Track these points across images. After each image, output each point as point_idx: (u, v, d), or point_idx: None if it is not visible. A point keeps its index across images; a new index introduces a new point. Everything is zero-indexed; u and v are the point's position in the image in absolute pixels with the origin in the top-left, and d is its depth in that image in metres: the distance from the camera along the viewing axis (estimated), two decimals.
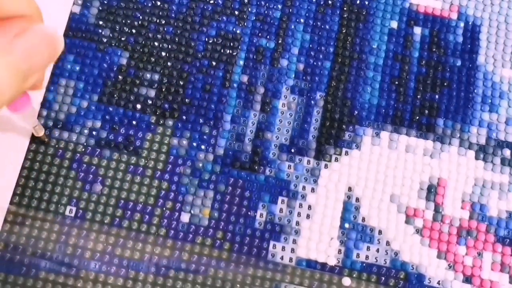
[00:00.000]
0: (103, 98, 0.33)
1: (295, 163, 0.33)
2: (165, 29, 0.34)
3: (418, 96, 0.34)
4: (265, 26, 0.35)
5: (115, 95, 0.33)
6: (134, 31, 0.34)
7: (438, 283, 0.31)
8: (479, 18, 0.36)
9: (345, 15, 0.36)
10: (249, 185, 0.32)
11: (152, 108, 0.33)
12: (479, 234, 0.32)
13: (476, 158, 0.33)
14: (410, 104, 0.34)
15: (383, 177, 0.33)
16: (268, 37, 0.35)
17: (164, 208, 0.31)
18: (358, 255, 0.31)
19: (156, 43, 0.34)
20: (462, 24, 0.36)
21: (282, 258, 0.31)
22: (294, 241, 0.31)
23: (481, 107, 0.34)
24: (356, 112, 0.34)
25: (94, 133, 0.32)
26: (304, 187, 0.32)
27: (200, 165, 0.32)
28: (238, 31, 0.35)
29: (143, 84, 0.33)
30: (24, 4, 0.20)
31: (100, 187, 0.31)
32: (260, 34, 0.35)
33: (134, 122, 0.33)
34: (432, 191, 0.33)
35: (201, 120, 0.33)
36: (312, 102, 0.34)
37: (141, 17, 0.35)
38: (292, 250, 0.31)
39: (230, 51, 0.34)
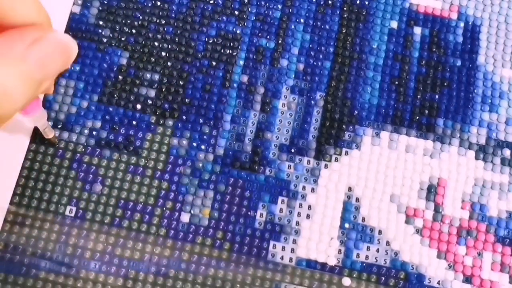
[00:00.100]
0: (103, 98, 0.33)
1: (295, 163, 0.33)
2: (165, 29, 0.34)
3: (418, 96, 0.34)
4: (265, 26, 0.35)
5: (115, 95, 0.33)
6: (134, 31, 0.34)
7: (438, 283, 0.31)
8: (479, 18, 0.36)
9: (345, 15, 0.36)
10: (249, 185, 0.32)
11: (152, 108, 0.33)
12: (479, 234, 0.32)
13: (476, 158, 0.33)
14: (410, 104, 0.34)
15: (383, 177, 0.33)
16: (268, 37, 0.35)
17: (164, 208, 0.31)
18: (358, 255, 0.31)
19: (156, 43, 0.34)
20: (462, 24, 0.36)
21: (282, 258, 0.31)
22: (294, 241, 0.31)
23: (481, 107, 0.34)
24: (356, 112, 0.34)
25: (94, 133, 0.32)
26: (304, 187, 0.32)
27: (200, 165, 0.32)
28: (238, 31, 0.35)
29: (143, 84, 0.33)
30: (34, 12, 0.20)
31: (100, 187, 0.31)
32: (260, 34, 0.35)
33: (134, 122, 0.33)
34: (432, 191, 0.33)
35: (201, 120, 0.33)
36: (312, 102, 0.34)
37: (141, 17, 0.35)
38: (292, 250, 0.31)
39: (230, 51, 0.34)
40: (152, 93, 0.33)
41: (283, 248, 0.31)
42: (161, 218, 0.31)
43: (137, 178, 0.32)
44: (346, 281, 0.31)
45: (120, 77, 0.33)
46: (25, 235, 0.30)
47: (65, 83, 0.33)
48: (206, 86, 0.34)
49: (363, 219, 0.32)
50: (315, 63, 0.35)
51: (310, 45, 0.35)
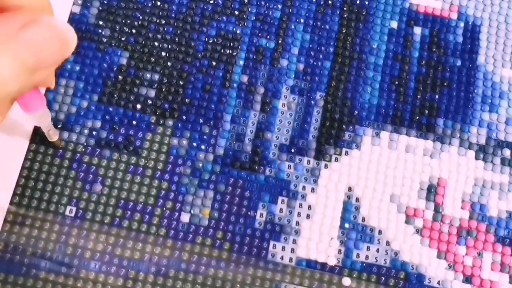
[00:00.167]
0: (103, 98, 0.33)
1: (295, 163, 0.33)
2: (165, 29, 0.34)
3: (418, 96, 0.34)
4: (265, 26, 0.35)
5: (115, 95, 0.33)
6: (134, 31, 0.34)
7: (438, 283, 0.31)
8: (479, 18, 0.36)
9: (345, 15, 0.36)
10: (249, 185, 0.32)
11: (152, 108, 0.33)
12: (479, 234, 0.32)
13: (476, 158, 0.33)
14: (410, 104, 0.34)
15: (383, 177, 0.33)
16: (268, 37, 0.35)
17: (164, 208, 0.31)
18: (358, 255, 0.31)
19: (156, 43, 0.34)
20: (462, 24, 0.36)
21: (282, 258, 0.31)
22: (294, 241, 0.31)
23: (481, 107, 0.34)
24: (356, 112, 0.34)
25: (94, 133, 0.32)
26: (304, 187, 0.32)
27: (200, 165, 0.32)
28: (238, 31, 0.35)
29: (143, 84, 0.33)
30: None
31: (100, 187, 0.31)
32: (260, 34, 0.35)
33: (134, 122, 0.33)
34: (432, 191, 0.33)
35: (201, 120, 0.33)
36: (312, 102, 0.34)
37: (141, 17, 0.35)
38: (292, 250, 0.31)
39: (230, 51, 0.34)
40: (152, 93, 0.33)
41: (283, 248, 0.31)
42: (161, 218, 0.31)
43: (137, 178, 0.32)
44: (346, 281, 0.31)
45: (120, 77, 0.33)
46: (25, 235, 0.30)
47: (65, 83, 0.33)
48: (206, 86, 0.34)
49: (363, 219, 0.32)
50: (315, 63, 0.35)
51: (310, 45, 0.35)
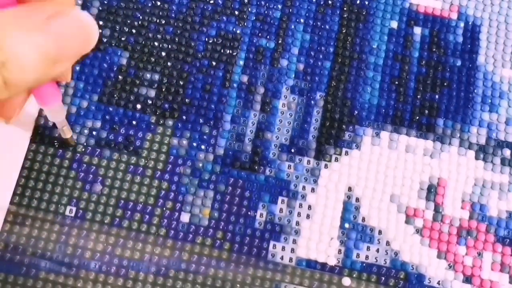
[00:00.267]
0: (103, 98, 0.33)
1: (295, 163, 0.33)
2: (165, 29, 0.34)
3: (418, 96, 0.34)
4: (265, 26, 0.35)
5: (115, 95, 0.33)
6: (134, 31, 0.34)
7: (438, 283, 0.31)
8: (479, 18, 0.36)
9: (345, 15, 0.36)
10: (249, 185, 0.32)
11: (152, 108, 0.33)
12: (479, 234, 0.32)
13: (476, 158, 0.33)
14: (410, 104, 0.34)
15: (383, 177, 0.33)
16: (268, 37, 0.35)
17: (164, 208, 0.31)
18: (358, 255, 0.31)
19: (156, 43, 0.34)
20: (462, 24, 0.36)
21: (282, 258, 0.31)
22: (294, 241, 0.31)
23: (481, 107, 0.34)
24: (356, 112, 0.34)
25: (94, 133, 0.32)
26: (304, 187, 0.32)
27: (200, 165, 0.32)
28: (238, 31, 0.35)
29: (143, 84, 0.33)
30: None
31: (100, 187, 0.31)
32: (260, 34, 0.35)
33: (134, 122, 0.33)
34: (432, 191, 0.33)
35: (201, 120, 0.33)
36: (312, 102, 0.34)
37: (141, 17, 0.35)
38: (292, 250, 0.31)
39: (230, 51, 0.34)
40: (152, 93, 0.33)
41: (283, 248, 0.31)
42: (161, 218, 0.31)
43: (137, 178, 0.32)
44: (346, 281, 0.31)
45: (120, 77, 0.33)
46: (25, 235, 0.30)
47: (65, 83, 0.33)
48: (206, 86, 0.34)
49: (363, 219, 0.32)
50: (315, 63, 0.35)
51: (310, 45, 0.35)
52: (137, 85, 0.33)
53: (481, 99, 0.35)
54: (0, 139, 0.31)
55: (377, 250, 0.31)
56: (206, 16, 0.35)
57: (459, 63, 0.35)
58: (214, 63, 0.34)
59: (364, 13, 0.36)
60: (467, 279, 0.31)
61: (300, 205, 0.32)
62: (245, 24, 0.35)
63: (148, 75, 0.34)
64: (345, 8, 0.36)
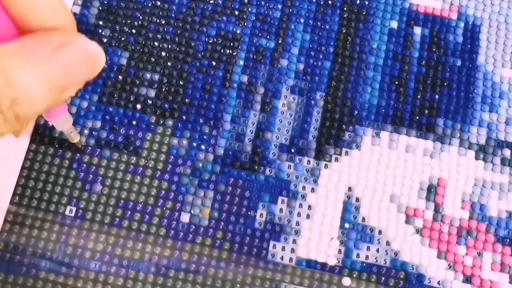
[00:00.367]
0: (103, 98, 0.33)
1: (295, 163, 0.33)
2: (165, 29, 0.34)
3: (418, 96, 0.34)
4: (265, 26, 0.35)
5: (115, 95, 0.33)
6: (134, 31, 0.34)
7: (438, 283, 0.31)
8: (479, 18, 0.36)
9: (345, 15, 0.36)
10: (249, 185, 0.32)
11: (152, 108, 0.33)
12: (479, 234, 0.32)
13: (476, 158, 0.33)
14: (410, 104, 0.34)
15: (383, 177, 0.33)
16: (268, 37, 0.35)
17: (164, 208, 0.31)
18: (358, 255, 0.31)
19: (156, 43, 0.34)
20: (462, 24, 0.36)
21: (282, 258, 0.31)
22: (294, 241, 0.31)
23: (481, 107, 0.34)
24: (356, 112, 0.34)
25: (94, 133, 0.32)
26: (304, 187, 0.32)
27: (200, 165, 0.32)
28: (238, 31, 0.35)
29: (143, 84, 0.33)
30: (61, 16, 0.19)
31: (100, 187, 0.31)
32: (260, 34, 0.35)
33: (134, 122, 0.33)
34: (432, 191, 0.33)
35: (201, 120, 0.33)
36: (312, 102, 0.34)
37: (141, 17, 0.35)
38: (292, 250, 0.31)
39: (230, 51, 0.34)
40: (152, 93, 0.33)
41: (283, 248, 0.31)
42: (161, 218, 0.31)
43: (137, 178, 0.32)
44: (346, 281, 0.31)
45: (120, 77, 0.33)
46: (25, 235, 0.30)
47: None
48: (206, 86, 0.34)
49: (363, 219, 0.32)
50: (315, 63, 0.35)
51: (310, 45, 0.35)
52: (137, 85, 0.33)
53: (481, 99, 0.35)
54: (0, 139, 0.31)
55: (377, 250, 0.31)
56: (206, 16, 0.35)
57: (459, 63, 0.35)
58: (214, 63, 0.34)
59: (364, 13, 0.36)
60: (467, 279, 0.31)
61: (300, 205, 0.32)
62: (245, 24, 0.35)
63: (148, 75, 0.34)
64: (345, 8, 0.36)
